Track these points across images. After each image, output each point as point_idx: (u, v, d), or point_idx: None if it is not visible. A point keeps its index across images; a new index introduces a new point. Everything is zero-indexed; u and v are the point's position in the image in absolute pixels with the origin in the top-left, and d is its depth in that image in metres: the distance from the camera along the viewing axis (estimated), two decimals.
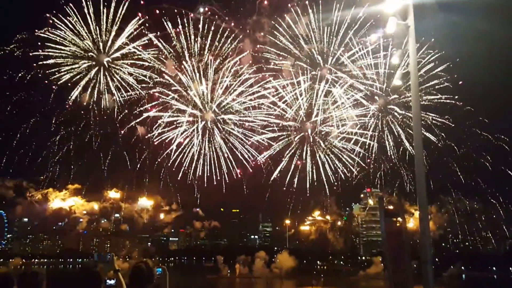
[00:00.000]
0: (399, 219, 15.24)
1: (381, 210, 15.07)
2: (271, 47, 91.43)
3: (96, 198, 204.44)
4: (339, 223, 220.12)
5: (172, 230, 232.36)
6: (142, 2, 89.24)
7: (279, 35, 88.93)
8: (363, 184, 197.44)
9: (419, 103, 12.63)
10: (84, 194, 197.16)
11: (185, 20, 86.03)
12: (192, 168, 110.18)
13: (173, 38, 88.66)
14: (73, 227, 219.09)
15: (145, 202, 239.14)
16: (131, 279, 5.82)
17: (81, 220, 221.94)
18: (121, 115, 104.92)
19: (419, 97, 12.65)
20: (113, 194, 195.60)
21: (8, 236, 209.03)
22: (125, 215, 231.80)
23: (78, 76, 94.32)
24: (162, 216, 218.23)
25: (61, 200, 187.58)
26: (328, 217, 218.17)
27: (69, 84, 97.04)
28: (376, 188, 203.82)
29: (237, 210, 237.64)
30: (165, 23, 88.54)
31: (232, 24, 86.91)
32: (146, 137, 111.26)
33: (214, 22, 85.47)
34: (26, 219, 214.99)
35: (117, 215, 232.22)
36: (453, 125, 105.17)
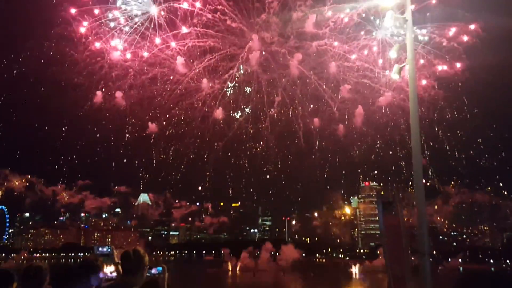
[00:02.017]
0: (397, 212, 15.33)
1: (379, 203, 15.16)
2: (279, 45, 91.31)
3: (104, 194, 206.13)
4: (346, 217, 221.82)
5: (173, 224, 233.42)
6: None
7: (287, 34, 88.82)
8: (362, 177, 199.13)
9: (416, 97, 12.71)
10: (92, 190, 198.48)
11: (195, 20, 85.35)
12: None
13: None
14: (75, 222, 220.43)
15: (145, 198, 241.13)
16: (121, 267, 5.97)
17: (82, 215, 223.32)
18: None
19: (417, 91, 12.72)
20: (121, 189, 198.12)
21: (10, 231, 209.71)
22: (132, 210, 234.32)
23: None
24: (172, 211, 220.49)
25: (69, 196, 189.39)
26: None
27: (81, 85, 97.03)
28: (374, 181, 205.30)
29: (237, 204, 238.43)
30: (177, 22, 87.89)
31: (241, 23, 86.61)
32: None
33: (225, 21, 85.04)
34: (27, 214, 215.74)
35: (117, 209, 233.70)
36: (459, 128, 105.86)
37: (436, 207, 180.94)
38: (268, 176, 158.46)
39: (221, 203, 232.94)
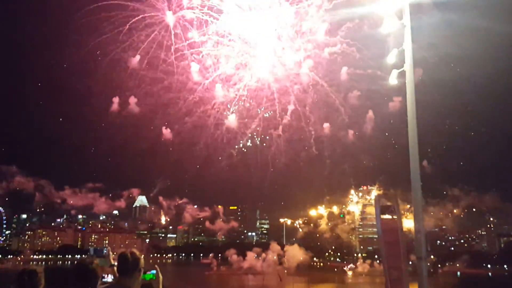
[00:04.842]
0: (395, 216, 15.35)
1: (377, 207, 15.18)
2: (291, 53, 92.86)
3: (114, 197, 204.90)
4: (355, 221, 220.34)
5: (170, 227, 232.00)
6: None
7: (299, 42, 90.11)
8: (366, 182, 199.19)
9: (414, 102, 12.74)
10: (102, 193, 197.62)
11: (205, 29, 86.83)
12: None
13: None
14: (72, 224, 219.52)
15: (143, 200, 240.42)
16: (117, 269, 6.00)
17: (80, 216, 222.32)
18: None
19: (415, 97, 12.77)
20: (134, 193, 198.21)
21: (7, 232, 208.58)
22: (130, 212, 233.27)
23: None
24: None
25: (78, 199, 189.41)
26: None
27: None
28: (372, 185, 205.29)
29: (235, 208, 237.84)
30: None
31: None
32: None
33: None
34: (24, 216, 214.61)
35: (115, 212, 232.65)
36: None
37: (441, 212, 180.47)
38: (271, 181, 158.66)
39: (219, 206, 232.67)
